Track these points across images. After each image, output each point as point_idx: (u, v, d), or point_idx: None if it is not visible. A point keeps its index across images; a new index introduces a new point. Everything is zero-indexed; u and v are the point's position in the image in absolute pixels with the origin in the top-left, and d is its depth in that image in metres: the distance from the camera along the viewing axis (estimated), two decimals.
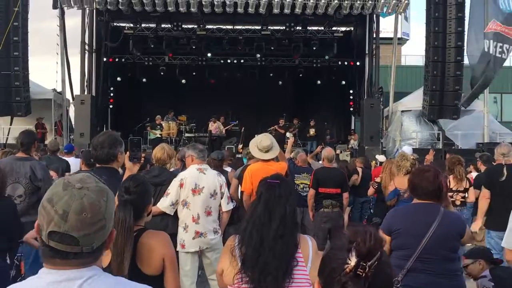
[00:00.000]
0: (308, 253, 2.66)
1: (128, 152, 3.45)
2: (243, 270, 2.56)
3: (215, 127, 19.51)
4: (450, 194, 7.04)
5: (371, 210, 11.31)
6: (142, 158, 3.50)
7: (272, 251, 2.54)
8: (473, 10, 17.58)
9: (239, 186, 6.50)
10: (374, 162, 13.10)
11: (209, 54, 22.36)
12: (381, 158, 12.27)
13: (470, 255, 4.62)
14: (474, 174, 8.47)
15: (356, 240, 1.36)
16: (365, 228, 1.41)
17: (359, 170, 11.26)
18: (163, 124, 19.31)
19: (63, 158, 8.95)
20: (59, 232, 1.41)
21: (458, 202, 7.21)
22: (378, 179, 7.79)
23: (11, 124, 18.24)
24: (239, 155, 13.05)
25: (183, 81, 23.30)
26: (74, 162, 8.79)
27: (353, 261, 1.34)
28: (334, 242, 1.48)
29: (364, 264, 1.33)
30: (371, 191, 8.08)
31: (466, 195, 7.26)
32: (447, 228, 3.38)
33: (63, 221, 1.41)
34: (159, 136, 18.89)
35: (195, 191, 5.31)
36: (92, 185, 1.50)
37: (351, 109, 23.53)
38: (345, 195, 7.74)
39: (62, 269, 1.45)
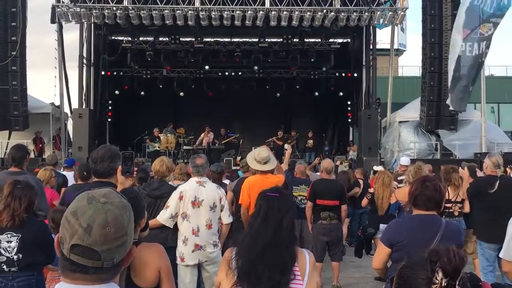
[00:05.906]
0: (305, 267, 2.66)
1: (120, 166, 3.44)
2: (238, 282, 2.56)
3: (209, 138, 19.55)
4: (448, 205, 7.03)
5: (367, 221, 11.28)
6: (135, 172, 3.49)
7: (264, 262, 2.54)
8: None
9: (235, 199, 6.50)
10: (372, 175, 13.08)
11: (206, 67, 22.42)
12: (378, 168, 12.23)
13: None
14: None
15: (441, 259, 1.39)
16: (448, 247, 1.44)
17: (360, 182, 11.22)
18: (161, 137, 19.29)
19: (61, 172, 8.92)
20: (82, 246, 1.41)
21: (456, 213, 7.19)
22: (371, 190, 7.83)
23: (9, 139, 18.17)
24: (237, 167, 13.03)
25: (181, 93, 23.30)
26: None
27: (441, 280, 1.37)
28: (407, 260, 1.51)
29: (454, 283, 1.37)
30: (364, 202, 8.09)
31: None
32: (449, 240, 3.34)
33: (87, 234, 1.41)
34: (158, 149, 18.85)
35: (195, 204, 5.30)
36: (116, 200, 1.51)
37: (349, 120, 23.51)
38: (344, 207, 7.67)
39: (80, 284, 1.44)
